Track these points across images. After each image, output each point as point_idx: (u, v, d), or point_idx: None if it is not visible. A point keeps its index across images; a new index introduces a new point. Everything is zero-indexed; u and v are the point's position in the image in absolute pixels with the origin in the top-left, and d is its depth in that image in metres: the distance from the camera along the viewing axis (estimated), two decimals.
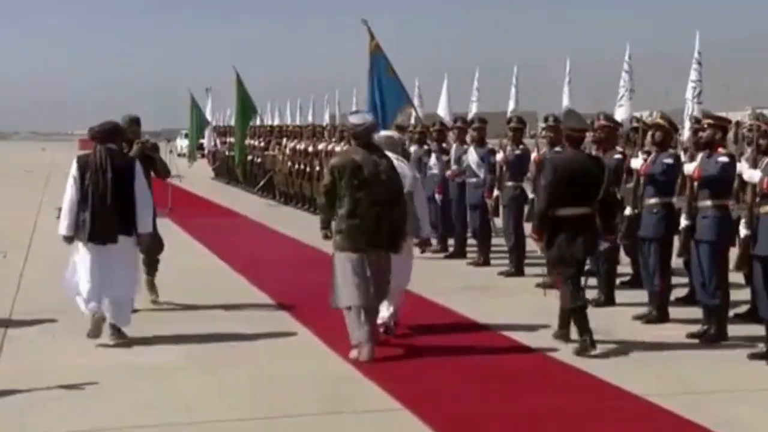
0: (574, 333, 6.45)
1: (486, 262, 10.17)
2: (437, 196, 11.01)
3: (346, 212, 6.07)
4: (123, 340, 6.54)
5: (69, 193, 6.58)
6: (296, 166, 16.49)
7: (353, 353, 6.02)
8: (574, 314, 6.32)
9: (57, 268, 9.08)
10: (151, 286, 7.95)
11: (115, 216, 6.51)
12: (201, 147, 29.35)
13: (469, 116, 15.10)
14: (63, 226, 6.59)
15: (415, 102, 14.67)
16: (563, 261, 6.28)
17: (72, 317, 7.42)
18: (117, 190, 6.52)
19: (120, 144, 6.89)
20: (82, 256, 6.57)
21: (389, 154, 6.35)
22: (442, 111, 16.50)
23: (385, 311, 6.53)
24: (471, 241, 10.67)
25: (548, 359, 6.13)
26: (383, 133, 6.98)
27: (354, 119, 6.32)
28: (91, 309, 6.55)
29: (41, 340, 6.69)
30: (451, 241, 11.06)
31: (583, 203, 6.25)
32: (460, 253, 10.73)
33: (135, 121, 7.80)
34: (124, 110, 8.43)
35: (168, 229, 13.83)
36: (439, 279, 9.27)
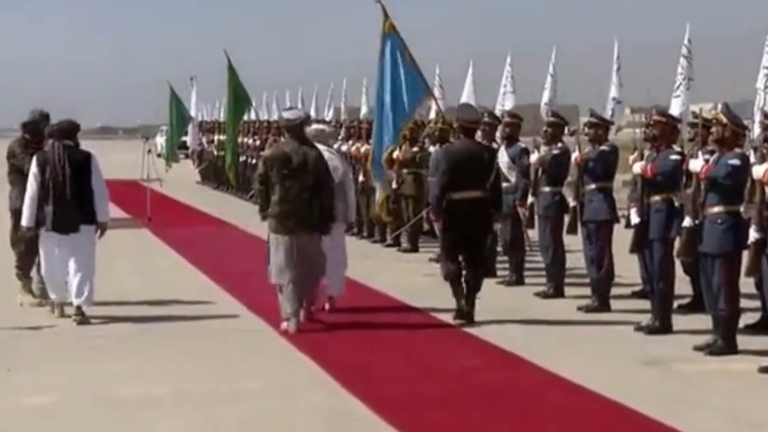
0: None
1: (519, 281, 10.13)
2: None
3: (278, 198, 7.83)
4: (84, 319, 8.20)
5: (30, 188, 8.23)
6: None
7: (283, 326, 7.80)
8: (451, 285, 8.21)
9: (14, 286, 9.16)
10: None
11: (75, 207, 8.18)
12: (184, 146, 29.44)
13: (499, 110, 15.07)
14: (25, 218, 8.28)
15: (435, 93, 14.67)
16: (451, 240, 8.18)
17: (29, 337, 7.45)
18: (75, 183, 8.19)
19: (76, 140, 8.45)
20: (46, 245, 8.29)
21: (321, 146, 8.18)
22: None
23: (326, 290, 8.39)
24: (501, 257, 10.64)
25: (596, 397, 6.09)
26: (315, 126, 8.77)
27: (288, 114, 8.16)
28: (58, 298, 8.36)
29: None
30: None
31: (475, 187, 8.14)
32: (488, 270, 10.68)
33: (46, 117, 9.01)
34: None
35: (146, 241, 13.94)
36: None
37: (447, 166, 8.21)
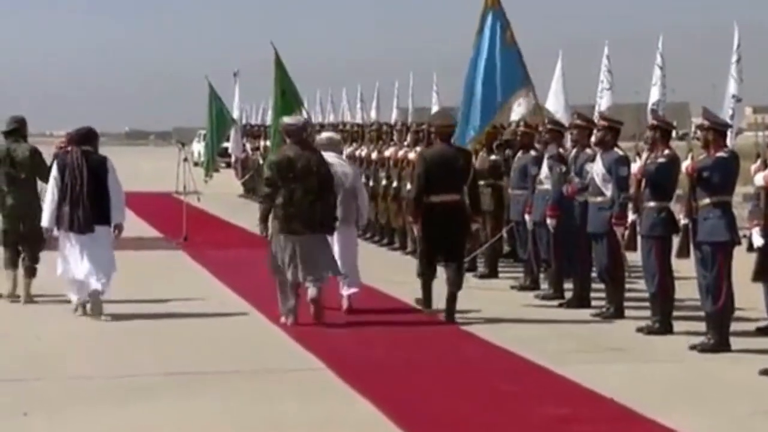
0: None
1: (618, 314, 10.03)
2: (549, 221, 10.90)
3: (283, 201, 9.51)
4: (99, 308, 9.97)
5: (50, 190, 10.12)
6: None
7: (282, 319, 9.61)
8: (421, 282, 9.99)
9: (19, 321, 9.29)
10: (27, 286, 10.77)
11: (90, 208, 9.96)
12: (226, 153, 29.72)
13: (597, 111, 14.87)
14: (44, 219, 10.15)
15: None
16: (427, 240, 9.95)
17: (48, 374, 7.54)
18: (92, 185, 10.00)
19: (95, 145, 10.32)
20: (64, 246, 10.11)
21: (331, 153, 10.05)
22: (555, 103, 16.35)
23: (342, 290, 10.15)
24: (597, 284, 10.55)
25: None
26: (324, 134, 10.74)
27: (288, 120, 10.11)
28: (78, 300, 10.08)
29: (11, 421, 6.77)
30: (569, 285, 10.94)
31: (451, 191, 9.87)
32: (581, 300, 10.62)
33: (23, 123, 11.10)
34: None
35: (182, 264, 14.08)
36: (554, 336, 9.22)
37: (422, 169, 9.97)
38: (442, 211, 9.80)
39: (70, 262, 10.04)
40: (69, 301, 10.18)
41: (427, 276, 10.03)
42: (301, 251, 9.49)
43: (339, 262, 9.87)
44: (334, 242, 9.98)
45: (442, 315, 9.85)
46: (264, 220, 9.75)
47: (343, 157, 10.60)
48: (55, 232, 10.15)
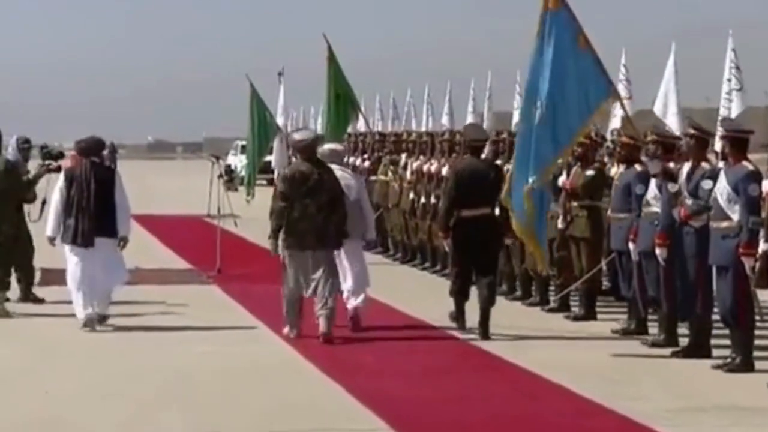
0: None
1: (746, 366, 9.83)
2: (659, 251, 10.75)
3: (297, 216, 11.09)
4: (107, 325, 11.67)
5: (56, 200, 11.79)
6: (422, 200, 16.53)
7: (285, 330, 11.28)
8: (453, 300, 11.54)
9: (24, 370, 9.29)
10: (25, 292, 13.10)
11: (95, 221, 11.58)
12: (268, 168, 29.75)
13: (724, 114, 14.54)
14: (49, 228, 11.83)
15: (620, 91, 14.38)
16: (457, 256, 11.55)
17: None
18: (99, 198, 11.60)
19: (101, 156, 12.05)
20: (68, 258, 11.72)
21: (334, 165, 11.53)
22: (663, 107, 16.13)
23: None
24: (719, 328, 10.40)
25: None
26: (327, 146, 12.28)
27: (297, 136, 11.64)
28: (85, 316, 11.56)
29: None
30: (684, 329, 10.78)
31: (483, 205, 11.44)
32: (699, 348, 10.43)
33: None
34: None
35: (214, 301, 14.08)
36: (665, 391, 9.13)
37: (453, 183, 11.64)
38: (474, 226, 11.36)
39: (74, 277, 11.62)
40: (74, 315, 11.64)
41: (460, 296, 11.48)
42: (314, 266, 11.05)
43: (349, 276, 11.54)
44: (342, 257, 11.53)
45: (476, 332, 11.26)
46: (276, 236, 11.24)
47: (347, 169, 12.22)
48: (57, 243, 11.84)
